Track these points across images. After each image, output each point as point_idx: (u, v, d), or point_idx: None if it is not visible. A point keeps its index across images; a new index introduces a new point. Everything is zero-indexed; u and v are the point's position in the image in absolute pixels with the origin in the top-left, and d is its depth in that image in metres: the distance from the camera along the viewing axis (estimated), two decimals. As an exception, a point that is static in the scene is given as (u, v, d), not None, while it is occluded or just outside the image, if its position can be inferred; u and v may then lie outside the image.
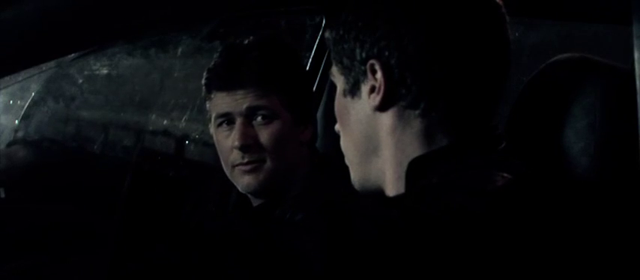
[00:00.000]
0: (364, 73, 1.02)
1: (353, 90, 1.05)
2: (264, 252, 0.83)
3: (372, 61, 1.01)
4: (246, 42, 1.56)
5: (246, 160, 1.51)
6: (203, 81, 1.56)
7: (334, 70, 1.08)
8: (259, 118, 1.51)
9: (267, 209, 1.55)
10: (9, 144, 2.43)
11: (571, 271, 0.91)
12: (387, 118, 1.02)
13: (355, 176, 1.10)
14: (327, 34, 1.09)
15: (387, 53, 1.00)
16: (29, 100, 2.51)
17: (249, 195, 1.59)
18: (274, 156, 1.51)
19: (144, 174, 2.52)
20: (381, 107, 1.02)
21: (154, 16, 1.01)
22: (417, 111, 1.00)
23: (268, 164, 1.51)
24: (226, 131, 1.54)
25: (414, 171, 1.00)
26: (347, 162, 1.10)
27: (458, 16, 1.00)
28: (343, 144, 1.10)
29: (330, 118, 1.98)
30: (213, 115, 1.56)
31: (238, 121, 1.51)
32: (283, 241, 0.84)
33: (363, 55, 1.02)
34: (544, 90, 1.07)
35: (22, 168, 2.28)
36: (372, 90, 1.02)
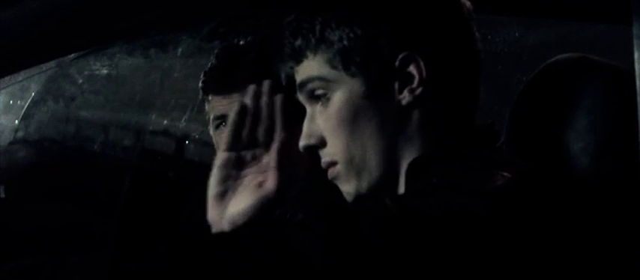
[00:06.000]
0: (391, 69, 0.99)
1: (377, 91, 1.00)
2: (265, 252, 0.83)
3: (405, 54, 0.98)
4: (242, 43, 1.56)
5: None
6: (200, 84, 1.57)
7: (336, 75, 1.01)
8: None
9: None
10: (9, 144, 2.43)
11: (571, 271, 0.91)
12: (412, 116, 1.00)
13: (365, 183, 1.02)
14: (330, 37, 1.01)
15: (418, 46, 0.98)
16: (29, 100, 2.51)
17: None
18: None
19: (144, 174, 2.52)
20: (415, 103, 0.99)
21: (153, 16, 1.01)
22: (420, 109, 1.00)
23: None
24: (224, 132, 1.55)
25: (414, 172, 1.00)
26: (355, 168, 1.02)
27: (452, 16, 1.01)
28: (356, 151, 1.01)
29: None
30: (211, 117, 1.56)
31: None
32: (283, 241, 0.84)
33: (390, 49, 0.98)
34: (544, 90, 1.07)
35: (22, 167, 2.28)
36: (405, 85, 0.99)
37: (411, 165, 1.00)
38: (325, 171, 1.06)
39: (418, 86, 0.99)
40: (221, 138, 1.56)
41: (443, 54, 1.00)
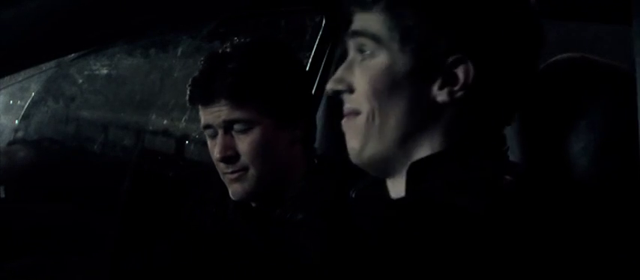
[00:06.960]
0: (441, 64, 0.98)
1: (419, 76, 0.99)
2: (265, 252, 0.83)
3: (459, 55, 0.97)
4: (228, 50, 1.55)
5: (230, 170, 1.52)
6: (187, 95, 1.57)
7: (390, 40, 1.00)
8: (238, 129, 1.51)
9: (268, 209, 1.55)
10: (9, 144, 2.43)
11: (571, 271, 0.91)
12: (441, 114, 1.00)
13: (373, 146, 1.01)
14: (401, 9, 1.00)
15: (473, 51, 0.97)
16: (29, 100, 2.51)
17: None
18: (257, 163, 1.51)
19: (144, 174, 2.52)
20: (449, 104, 0.98)
21: (153, 16, 1.01)
22: (451, 111, 1.00)
23: (252, 171, 1.52)
24: (212, 141, 1.56)
25: (416, 173, 1.00)
26: (373, 126, 1.01)
27: (511, 29, 1.01)
28: (381, 111, 1.01)
29: (331, 118, 1.97)
30: (201, 125, 1.57)
31: (219, 133, 1.53)
32: (284, 241, 0.84)
33: (448, 45, 0.97)
34: (544, 90, 1.07)
35: (22, 167, 2.28)
36: (447, 84, 0.98)
37: (412, 166, 1.00)
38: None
39: (460, 90, 0.98)
40: (211, 146, 1.56)
41: (492, 64, 0.99)
